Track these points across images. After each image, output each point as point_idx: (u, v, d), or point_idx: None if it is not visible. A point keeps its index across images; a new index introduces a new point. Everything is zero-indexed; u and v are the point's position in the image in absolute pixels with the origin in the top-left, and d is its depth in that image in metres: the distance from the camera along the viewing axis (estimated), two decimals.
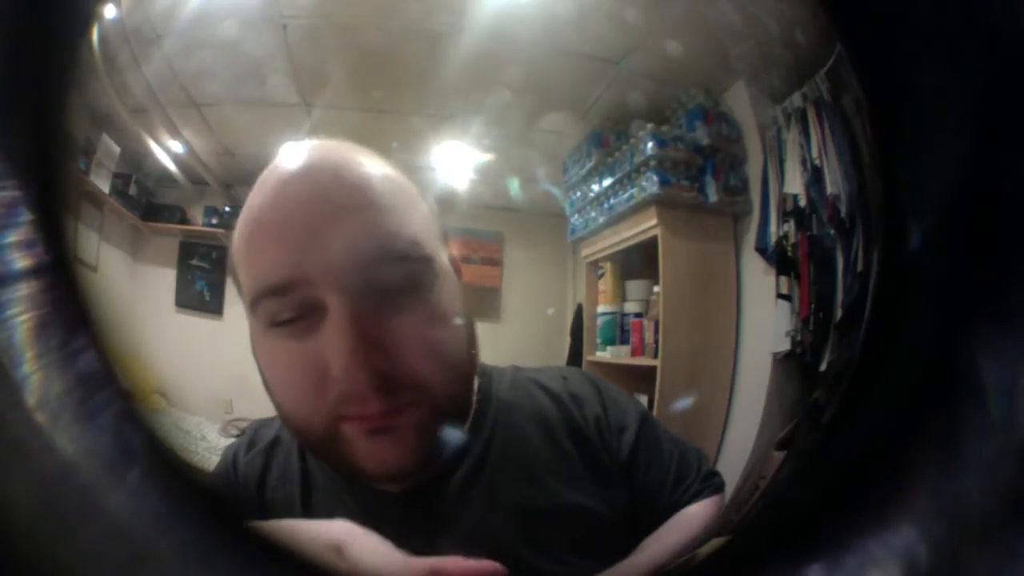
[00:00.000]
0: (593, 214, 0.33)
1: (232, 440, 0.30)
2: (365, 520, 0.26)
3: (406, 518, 0.28)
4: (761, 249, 0.32)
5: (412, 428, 0.25)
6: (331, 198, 0.23)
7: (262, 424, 0.30)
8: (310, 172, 0.24)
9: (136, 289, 0.31)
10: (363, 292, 0.22)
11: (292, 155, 0.24)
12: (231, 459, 0.30)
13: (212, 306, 0.31)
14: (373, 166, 0.25)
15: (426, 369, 0.24)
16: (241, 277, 0.26)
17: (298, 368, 0.24)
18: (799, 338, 0.31)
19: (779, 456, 0.31)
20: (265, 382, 0.26)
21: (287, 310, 0.23)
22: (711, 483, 0.30)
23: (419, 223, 0.25)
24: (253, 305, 0.24)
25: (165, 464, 0.25)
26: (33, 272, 0.25)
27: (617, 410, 0.31)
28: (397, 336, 0.23)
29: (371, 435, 0.24)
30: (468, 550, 0.26)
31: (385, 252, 0.23)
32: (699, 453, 0.31)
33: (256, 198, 0.24)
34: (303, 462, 0.29)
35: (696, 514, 0.30)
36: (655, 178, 0.32)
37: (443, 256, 0.26)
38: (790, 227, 0.31)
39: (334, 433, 0.24)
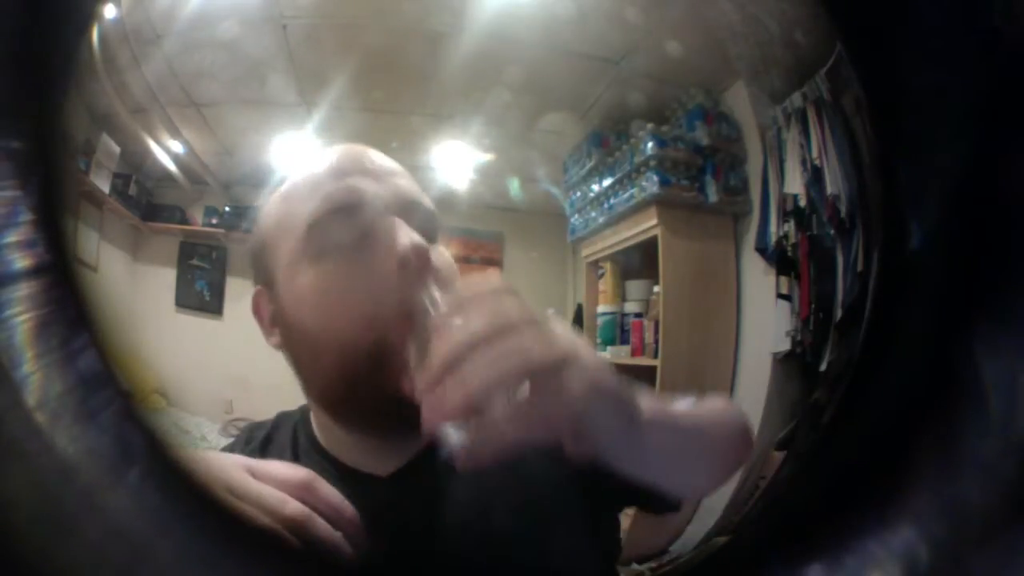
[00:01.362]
0: (593, 214, 0.33)
1: (229, 441, 0.31)
2: (353, 502, 0.27)
3: (394, 502, 0.29)
4: (761, 249, 0.32)
5: None
6: (375, 162, 0.27)
7: (255, 426, 0.31)
8: (353, 147, 0.28)
9: (136, 289, 0.31)
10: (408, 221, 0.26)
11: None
12: None
13: (212, 306, 0.31)
14: None
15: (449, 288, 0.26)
16: (286, 219, 0.27)
17: (354, 278, 0.26)
18: (799, 338, 0.31)
19: (779, 456, 0.31)
20: (303, 320, 0.27)
21: (344, 230, 0.26)
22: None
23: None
24: (309, 233, 0.26)
25: (165, 464, 0.25)
26: (33, 272, 0.25)
27: None
28: (432, 257, 0.26)
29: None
30: (456, 529, 0.28)
31: (420, 199, 0.27)
32: None
33: (303, 166, 0.27)
34: (295, 454, 0.30)
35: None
36: (655, 178, 0.32)
37: None
38: (790, 227, 0.31)
39: (381, 345, 0.25)
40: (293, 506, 0.25)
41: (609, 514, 0.32)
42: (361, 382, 0.26)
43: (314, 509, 0.25)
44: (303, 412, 0.31)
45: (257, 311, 0.29)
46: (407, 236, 0.25)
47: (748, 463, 0.30)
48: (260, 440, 0.31)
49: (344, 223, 0.26)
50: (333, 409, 0.28)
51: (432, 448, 0.28)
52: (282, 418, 0.31)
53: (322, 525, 0.25)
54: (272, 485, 0.25)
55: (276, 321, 0.28)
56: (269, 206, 0.28)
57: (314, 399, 0.29)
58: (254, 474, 0.26)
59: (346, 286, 0.26)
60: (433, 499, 0.29)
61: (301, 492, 0.25)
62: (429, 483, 0.29)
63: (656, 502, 0.31)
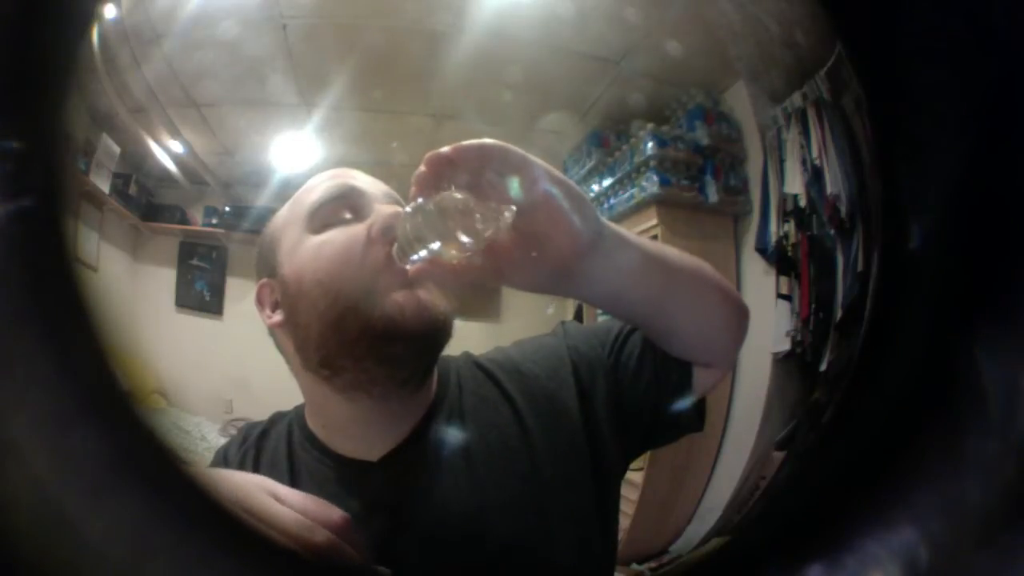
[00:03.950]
0: None
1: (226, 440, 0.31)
2: (345, 490, 0.29)
3: (386, 484, 0.30)
4: (761, 249, 0.32)
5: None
6: (364, 175, 0.31)
7: (250, 426, 0.32)
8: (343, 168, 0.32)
9: (136, 289, 0.31)
10: None
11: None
12: (222, 456, 0.31)
13: (212, 306, 0.31)
14: None
15: None
16: (292, 213, 0.31)
17: (350, 237, 0.29)
18: (799, 338, 0.31)
19: (779, 456, 0.31)
20: (303, 279, 0.29)
21: (342, 210, 0.30)
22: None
23: None
24: (311, 215, 0.30)
25: (165, 464, 0.25)
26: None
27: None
28: None
29: (405, 285, 0.28)
30: (446, 505, 0.29)
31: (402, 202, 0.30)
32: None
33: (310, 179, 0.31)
34: (290, 447, 0.31)
35: None
36: (655, 178, 0.32)
37: None
38: (790, 227, 0.31)
39: (374, 287, 0.28)
40: (322, 535, 0.26)
41: (616, 483, 0.32)
42: (352, 324, 0.28)
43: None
44: (297, 410, 0.31)
45: (260, 300, 0.30)
46: (390, 208, 0.29)
47: (745, 327, 0.31)
48: (257, 435, 0.31)
49: (341, 205, 0.30)
50: (330, 366, 0.29)
51: (418, 431, 0.30)
52: (277, 416, 0.32)
53: (348, 552, 0.26)
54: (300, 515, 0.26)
55: (277, 304, 0.30)
56: (277, 213, 0.31)
57: (312, 366, 0.29)
58: (278, 498, 0.27)
59: (340, 244, 0.29)
60: (422, 479, 0.30)
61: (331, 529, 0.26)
62: (418, 464, 0.30)
63: (672, 418, 0.32)
